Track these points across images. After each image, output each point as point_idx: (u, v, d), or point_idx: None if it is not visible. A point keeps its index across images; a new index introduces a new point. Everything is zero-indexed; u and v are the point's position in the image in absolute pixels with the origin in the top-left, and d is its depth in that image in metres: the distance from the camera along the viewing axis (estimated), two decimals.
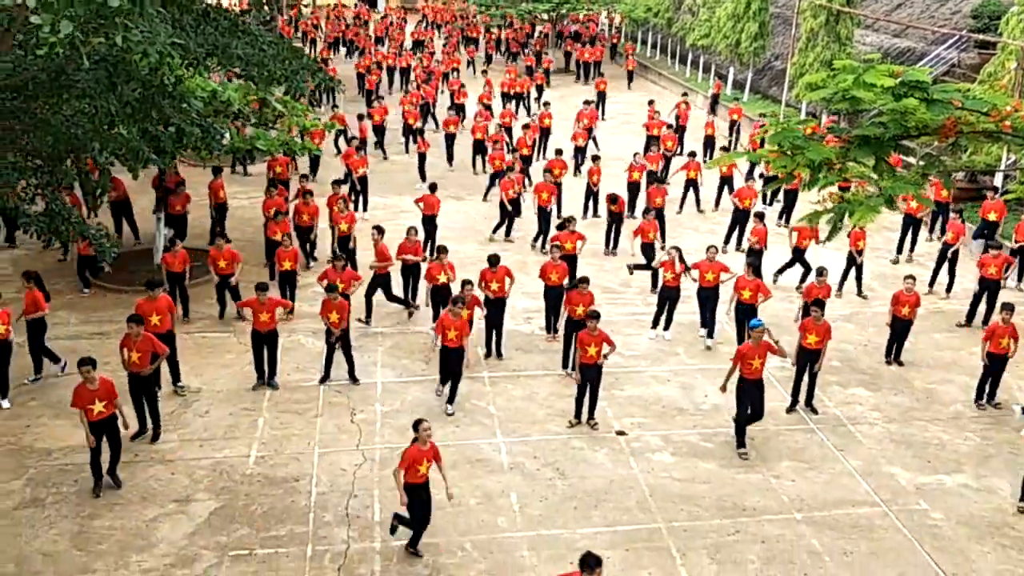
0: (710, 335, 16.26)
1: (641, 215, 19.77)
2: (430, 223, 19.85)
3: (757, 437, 13.47)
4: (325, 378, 14.65)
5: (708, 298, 16.24)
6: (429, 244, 19.60)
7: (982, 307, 17.22)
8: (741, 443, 13.08)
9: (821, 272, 15.75)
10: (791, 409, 14.16)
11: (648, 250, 18.44)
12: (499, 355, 15.60)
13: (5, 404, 13.36)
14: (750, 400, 12.98)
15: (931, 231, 21.90)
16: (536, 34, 50.95)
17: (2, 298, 14.41)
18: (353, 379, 14.62)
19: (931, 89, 8.44)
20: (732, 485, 12.33)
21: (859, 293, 18.67)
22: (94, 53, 9.61)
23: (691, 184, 23.15)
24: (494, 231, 21.32)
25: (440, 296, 15.71)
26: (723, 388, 13.26)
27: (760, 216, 18.86)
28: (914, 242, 20.87)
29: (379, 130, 28.07)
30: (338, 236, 18.62)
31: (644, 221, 18.67)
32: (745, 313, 15.40)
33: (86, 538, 10.88)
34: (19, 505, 11.44)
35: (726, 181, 23.29)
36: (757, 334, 12.92)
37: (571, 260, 17.55)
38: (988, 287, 17.09)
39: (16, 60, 10.33)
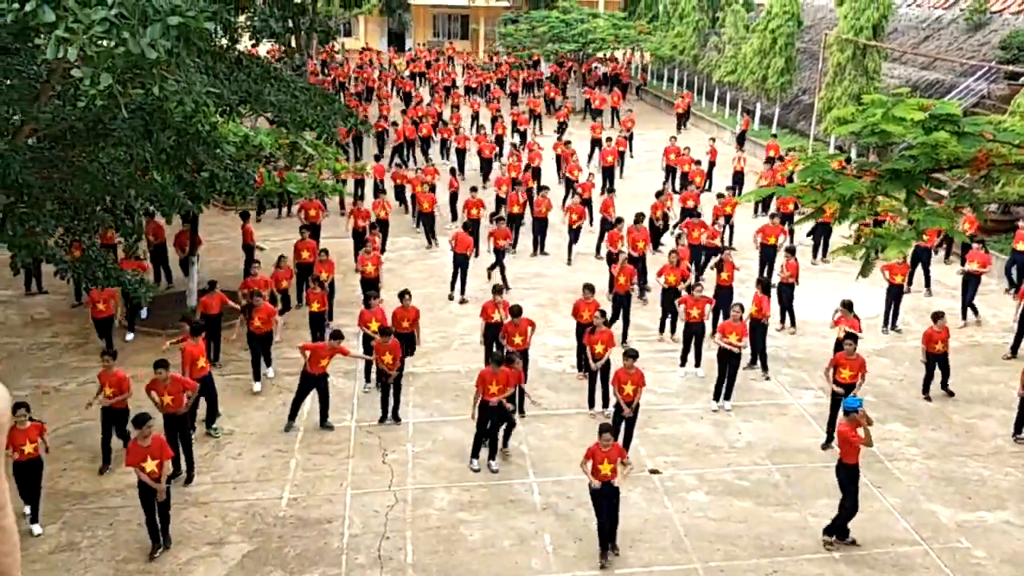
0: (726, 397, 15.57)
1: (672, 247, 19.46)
2: (463, 262, 19.97)
3: (793, 475, 13.31)
4: (384, 418, 14.65)
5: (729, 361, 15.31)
6: (461, 282, 19.85)
7: None
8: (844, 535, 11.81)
9: (849, 306, 15.62)
10: (827, 446, 13.97)
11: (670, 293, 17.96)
12: (522, 412, 14.70)
13: (37, 530, 11.67)
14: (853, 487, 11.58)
15: (963, 263, 21.67)
16: (544, 76, 50.99)
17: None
18: (396, 419, 14.63)
19: (962, 122, 8.40)
20: (769, 524, 12.17)
21: (893, 327, 18.49)
22: (131, 103, 9.81)
23: (726, 220, 23.09)
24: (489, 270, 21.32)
25: (493, 333, 15.79)
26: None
27: (791, 251, 18.77)
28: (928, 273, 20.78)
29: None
30: (363, 279, 18.64)
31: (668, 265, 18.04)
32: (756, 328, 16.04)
33: None
34: (55, 549, 11.51)
35: (727, 219, 23.10)
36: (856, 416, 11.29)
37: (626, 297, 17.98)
38: None
39: (55, 110, 10.57)
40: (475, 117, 35.53)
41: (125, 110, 7.82)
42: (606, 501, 11.19)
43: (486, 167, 29.41)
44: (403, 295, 15.63)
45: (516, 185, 24.31)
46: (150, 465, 11.04)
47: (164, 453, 11.23)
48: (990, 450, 14.12)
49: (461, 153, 30.09)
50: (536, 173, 27.68)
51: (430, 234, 23.51)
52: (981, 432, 14.69)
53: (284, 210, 25.97)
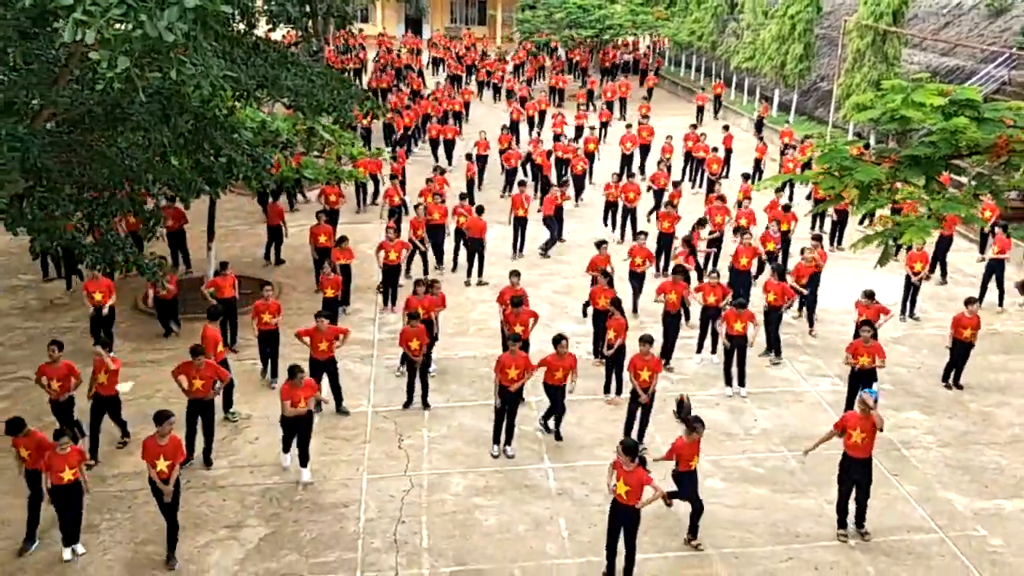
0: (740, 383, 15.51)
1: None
2: (478, 245, 20.00)
3: (809, 462, 13.27)
4: (408, 403, 14.71)
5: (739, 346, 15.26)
6: (478, 265, 20.15)
7: None
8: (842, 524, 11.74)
9: (871, 295, 15.54)
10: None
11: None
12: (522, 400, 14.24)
13: (67, 555, 11.13)
14: (848, 479, 11.55)
15: (981, 251, 21.55)
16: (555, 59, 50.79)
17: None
18: (425, 404, 14.73)
19: (982, 108, 8.32)
20: (784, 511, 12.15)
21: (911, 315, 18.39)
22: (149, 87, 9.83)
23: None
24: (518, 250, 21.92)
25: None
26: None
27: (818, 239, 18.65)
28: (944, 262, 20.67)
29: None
30: (384, 264, 18.65)
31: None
32: (771, 315, 16.17)
33: (139, 564, 11.00)
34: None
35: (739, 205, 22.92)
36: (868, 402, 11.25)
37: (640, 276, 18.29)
38: None
39: (73, 94, 10.61)
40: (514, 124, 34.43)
41: (143, 94, 7.84)
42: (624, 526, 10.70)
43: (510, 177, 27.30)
44: (417, 283, 15.66)
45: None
46: (161, 464, 10.84)
47: (177, 455, 11.00)
48: (1007, 439, 14.04)
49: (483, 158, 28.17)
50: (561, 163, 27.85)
51: (438, 252, 21.13)
52: (998, 420, 14.61)
53: (296, 198, 26.00)
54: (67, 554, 11.04)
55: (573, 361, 13.39)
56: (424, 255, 20.41)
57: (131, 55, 6.99)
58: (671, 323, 16.10)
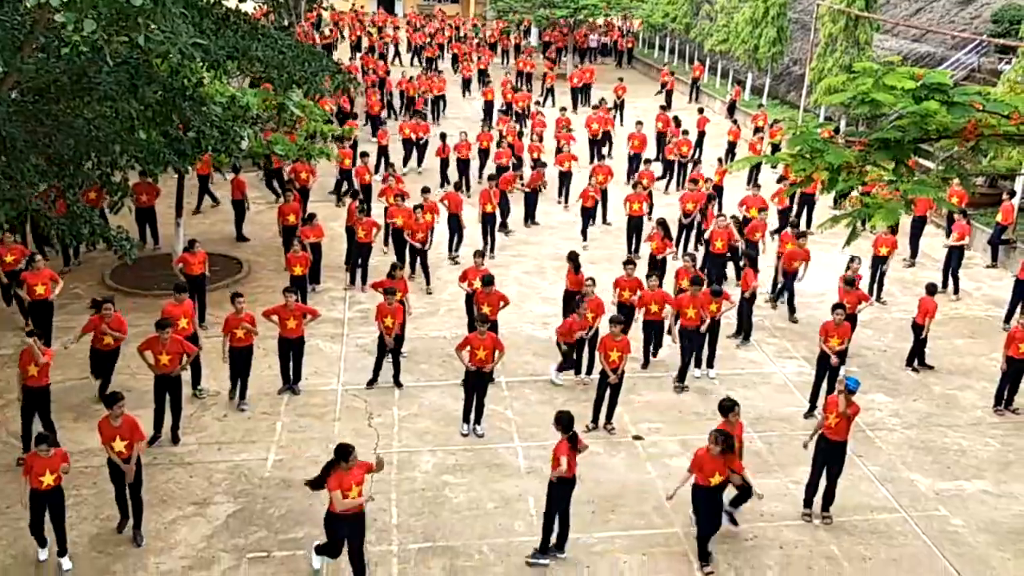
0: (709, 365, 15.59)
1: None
2: (455, 221, 20.04)
3: (775, 443, 13.43)
4: (372, 381, 14.65)
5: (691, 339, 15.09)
6: (456, 242, 20.33)
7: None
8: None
9: (851, 282, 15.68)
10: (809, 414, 14.07)
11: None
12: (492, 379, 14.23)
13: (67, 564, 10.56)
14: (822, 462, 11.62)
15: (947, 236, 21.81)
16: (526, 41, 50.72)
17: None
18: (398, 384, 14.69)
19: (952, 92, 8.38)
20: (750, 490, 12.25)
21: (878, 298, 18.58)
22: (116, 55, 9.66)
23: (718, 191, 23.04)
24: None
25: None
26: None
27: (795, 225, 18.77)
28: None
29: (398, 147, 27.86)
30: (392, 230, 19.23)
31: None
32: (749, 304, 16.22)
33: (105, 540, 10.92)
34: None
35: (718, 191, 22.98)
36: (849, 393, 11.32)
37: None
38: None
39: (39, 63, 10.42)
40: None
41: (111, 60, 7.69)
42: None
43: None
44: (393, 267, 15.61)
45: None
46: (119, 445, 10.69)
47: (135, 435, 10.81)
48: (970, 421, 14.26)
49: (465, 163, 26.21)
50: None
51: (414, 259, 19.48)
52: (961, 403, 14.82)
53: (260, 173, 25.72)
54: (66, 563, 10.49)
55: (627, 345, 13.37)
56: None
57: (98, 19, 6.85)
58: (692, 339, 14.85)
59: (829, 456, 11.52)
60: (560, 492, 10.63)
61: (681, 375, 14.90)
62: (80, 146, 11.06)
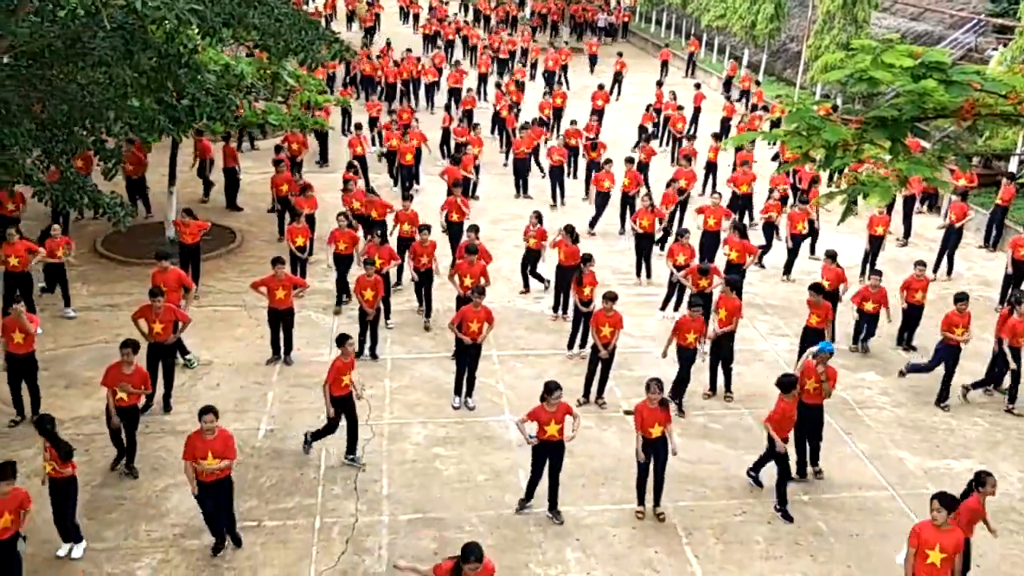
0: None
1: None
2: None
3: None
4: (359, 354, 14.61)
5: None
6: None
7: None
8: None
9: (832, 256, 15.71)
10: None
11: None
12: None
13: (77, 552, 10.34)
14: (801, 428, 11.74)
15: (945, 216, 21.83)
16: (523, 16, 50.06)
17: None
18: (373, 356, 14.64)
19: (950, 70, 8.34)
20: (739, 466, 12.33)
21: (869, 277, 18.58)
22: (111, 20, 9.56)
23: (711, 167, 23.04)
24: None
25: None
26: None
27: (805, 202, 18.84)
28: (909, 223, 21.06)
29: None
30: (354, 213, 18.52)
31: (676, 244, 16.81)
32: (735, 271, 16.11)
33: (96, 507, 10.95)
34: (30, 474, 11.49)
35: (711, 168, 23.01)
36: (824, 357, 11.75)
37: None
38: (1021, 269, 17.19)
39: (33, 27, 10.31)
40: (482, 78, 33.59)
41: (108, 23, 7.60)
42: (550, 458, 10.95)
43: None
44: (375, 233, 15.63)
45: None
46: (122, 392, 11.17)
47: (144, 386, 11.41)
48: (959, 400, 14.32)
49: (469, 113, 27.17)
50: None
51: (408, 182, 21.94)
52: (951, 383, 14.86)
53: (246, 143, 25.52)
54: (77, 551, 10.32)
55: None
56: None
57: None
58: (687, 359, 13.77)
59: (809, 421, 11.79)
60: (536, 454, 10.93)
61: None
62: (74, 112, 10.97)
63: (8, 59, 10.35)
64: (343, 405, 11.77)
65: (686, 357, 13.45)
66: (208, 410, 9.95)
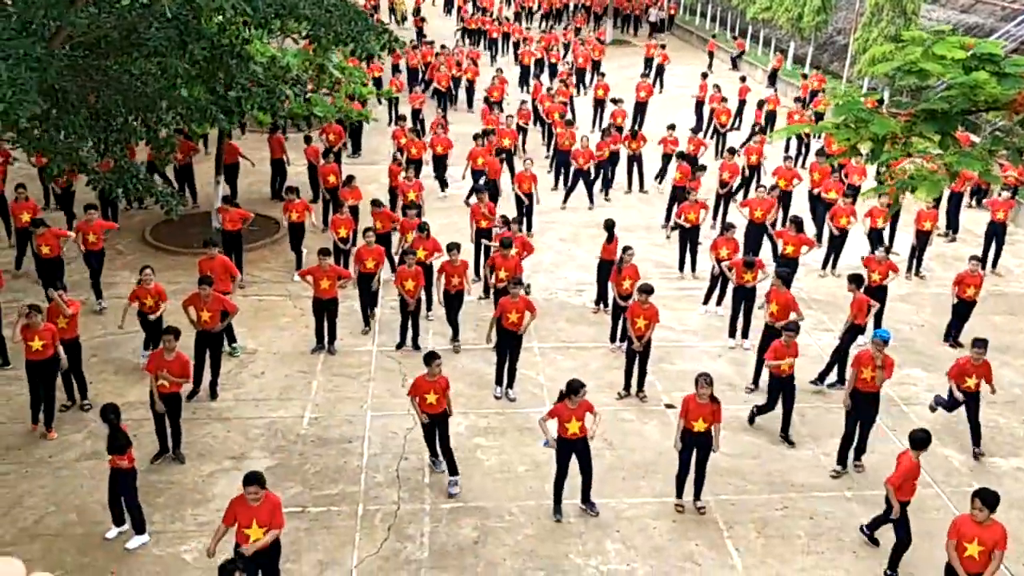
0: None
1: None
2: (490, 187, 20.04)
3: (808, 414, 13.39)
4: (401, 344, 14.75)
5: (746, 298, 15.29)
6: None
7: None
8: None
9: (886, 249, 15.61)
10: (838, 383, 13.97)
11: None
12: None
13: (112, 533, 10.52)
14: (857, 415, 11.95)
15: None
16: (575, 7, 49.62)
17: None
18: (416, 347, 14.73)
19: (1003, 62, 8.22)
20: (781, 461, 12.28)
21: (917, 273, 18.38)
22: (167, 10, 9.74)
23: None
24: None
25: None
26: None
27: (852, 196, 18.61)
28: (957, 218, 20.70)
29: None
30: (402, 205, 18.54)
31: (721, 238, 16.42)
32: (788, 265, 15.78)
33: (144, 491, 11.10)
34: (80, 457, 11.78)
35: (754, 169, 22.48)
36: (879, 343, 11.83)
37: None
38: None
39: (90, 18, 10.51)
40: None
41: (156, 19, 7.73)
42: (576, 454, 10.89)
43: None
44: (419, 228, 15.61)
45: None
46: (164, 378, 11.35)
47: (183, 371, 11.49)
48: (1006, 398, 14.12)
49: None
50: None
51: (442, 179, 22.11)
52: (999, 380, 14.54)
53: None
54: (112, 532, 10.53)
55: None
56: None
57: None
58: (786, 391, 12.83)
59: (864, 409, 11.82)
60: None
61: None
62: (127, 102, 11.17)
63: (67, 49, 10.55)
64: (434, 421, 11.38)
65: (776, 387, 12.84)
66: (252, 479, 8.81)
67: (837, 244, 18.27)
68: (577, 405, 10.70)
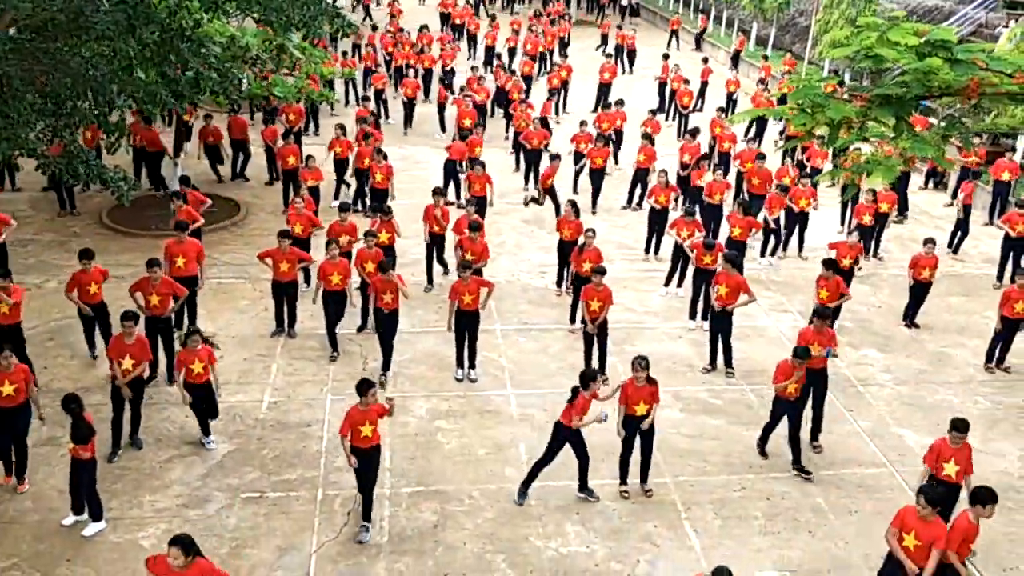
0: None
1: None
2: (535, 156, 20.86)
3: (767, 396, 13.47)
4: (363, 327, 14.67)
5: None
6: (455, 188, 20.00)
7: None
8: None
9: (852, 234, 15.82)
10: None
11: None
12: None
13: (91, 529, 10.32)
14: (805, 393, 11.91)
15: (953, 196, 21.71)
16: None
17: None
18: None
19: (955, 49, 8.30)
20: (739, 443, 12.40)
21: (875, 254, 18.58)
22: None
23: (715, 143, 22.85)
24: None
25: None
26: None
27: (809, 176, 18.73)
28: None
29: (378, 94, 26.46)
30: (372, 187, 18.49)
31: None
32: (736, 247, 15.94)
33: (101, 477, 10.94)
34: (36, 443, 11.60)
35: (715, 143, 22.46)
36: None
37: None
38: (1014, 246, 17.09)
39: (36, 0, 10.30)
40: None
41: (107, 1, 7.61)
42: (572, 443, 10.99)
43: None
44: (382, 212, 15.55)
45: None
46: (127, 363, 11.25)
47: (144, 355, 11.42)
48: (961, 378, 14.36)
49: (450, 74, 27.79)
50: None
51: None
52: (954, 360, 14.91)
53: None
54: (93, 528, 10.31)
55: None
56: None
57: None
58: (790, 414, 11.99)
59: (815, 384, 12.03)
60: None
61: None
62: (77, 85, 10.97)
63: (11, 32, 10.34)
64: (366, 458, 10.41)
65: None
66: (366, 386, 10.11)
67: (798, 226, 18.33)
68: (601, 287, 12.66)
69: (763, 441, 12.22)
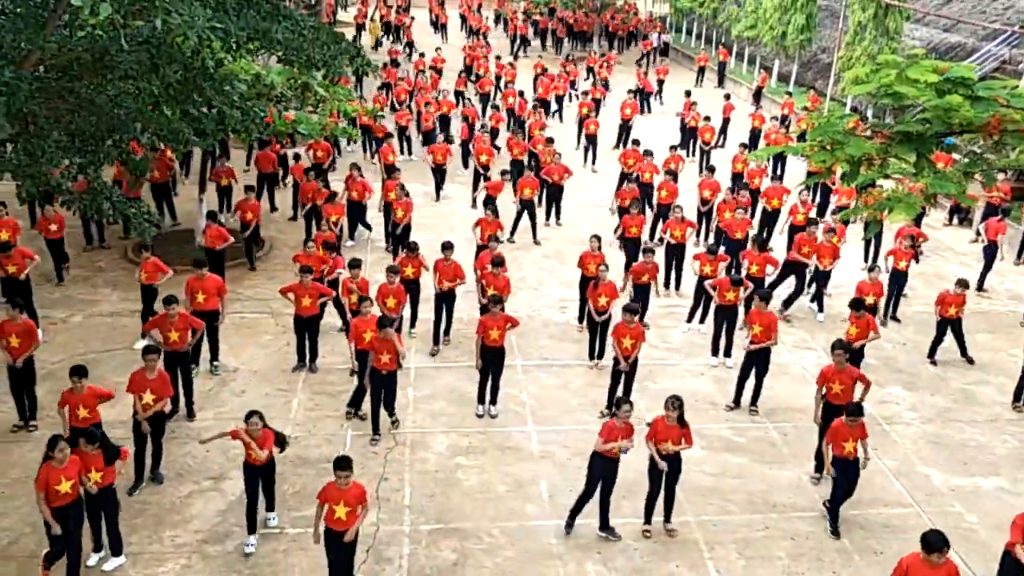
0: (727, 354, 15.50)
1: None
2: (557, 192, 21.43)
3: (790, 434, 13.39)
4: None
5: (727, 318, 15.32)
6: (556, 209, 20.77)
7: None
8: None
9: (872, 269, 15.69)
10: None
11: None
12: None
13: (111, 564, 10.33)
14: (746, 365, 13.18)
15: (977, 233, 21.54)
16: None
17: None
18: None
19: (976, 86, 8.30)
20: (763, 481, 12.26)
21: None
22: (137, 35, 9.73)
23: (737, 178, 22.82)
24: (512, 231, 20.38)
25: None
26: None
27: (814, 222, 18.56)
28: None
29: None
30: (393, 222, 18.63)
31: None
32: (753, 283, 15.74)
33: (122, 512, 11.01)
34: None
35: (737, 178, 22.47)
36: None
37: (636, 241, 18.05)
38: None
39: (61, 40, 10.49)
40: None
41: (127, 42, 7.72)
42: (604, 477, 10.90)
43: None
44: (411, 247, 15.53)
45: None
46: (147, 398, 11.30)
47: (165, 390, 11.49)
48: (988, 417, 14.16)
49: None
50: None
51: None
52: (980, 398, 14.71)
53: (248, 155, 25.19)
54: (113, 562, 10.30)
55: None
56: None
57: (114, 2, 6.88)
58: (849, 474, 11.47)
59: (755, 358, 13.44)
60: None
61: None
62: (101, 123, 11.14)
63: (37, 72, 10.53)
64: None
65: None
66: (343, 463, 9.38)
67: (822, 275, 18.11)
68: (634, 325, 13.01)
69: (834, 521, 11.41)
